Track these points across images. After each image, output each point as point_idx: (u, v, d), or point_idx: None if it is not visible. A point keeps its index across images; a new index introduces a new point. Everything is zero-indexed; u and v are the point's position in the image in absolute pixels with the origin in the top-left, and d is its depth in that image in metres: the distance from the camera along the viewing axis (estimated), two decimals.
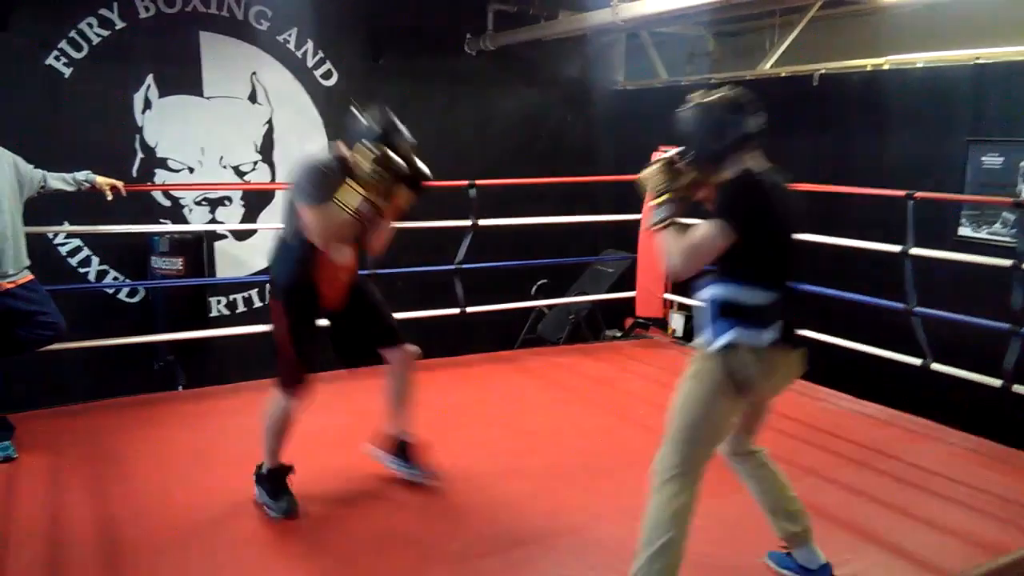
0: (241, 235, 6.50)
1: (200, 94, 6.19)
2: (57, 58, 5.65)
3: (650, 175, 2.57)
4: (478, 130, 7.47)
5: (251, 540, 2.97)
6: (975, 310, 4.39)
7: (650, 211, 2.53)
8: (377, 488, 3.42)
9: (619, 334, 6.61)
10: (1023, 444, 3.98)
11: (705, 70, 7.93)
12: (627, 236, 6.31)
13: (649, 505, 2.48)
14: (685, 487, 2.43)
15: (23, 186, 3.72)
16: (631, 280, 6.21)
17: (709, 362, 2.46)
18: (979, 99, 5.17)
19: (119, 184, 4.15)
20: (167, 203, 6.22)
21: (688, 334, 6.16)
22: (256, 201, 6.54)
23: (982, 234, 5.12)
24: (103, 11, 5.75)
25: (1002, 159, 5.01)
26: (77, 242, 5.91)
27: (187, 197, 6.28)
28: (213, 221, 6.38)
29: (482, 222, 5.36)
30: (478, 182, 5.35)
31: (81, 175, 3.99)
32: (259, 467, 3.23)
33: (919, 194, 4.50)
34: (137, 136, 6.01)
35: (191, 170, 6.23)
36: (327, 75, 6.68)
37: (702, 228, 2.39)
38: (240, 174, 6.43)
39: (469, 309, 5.42)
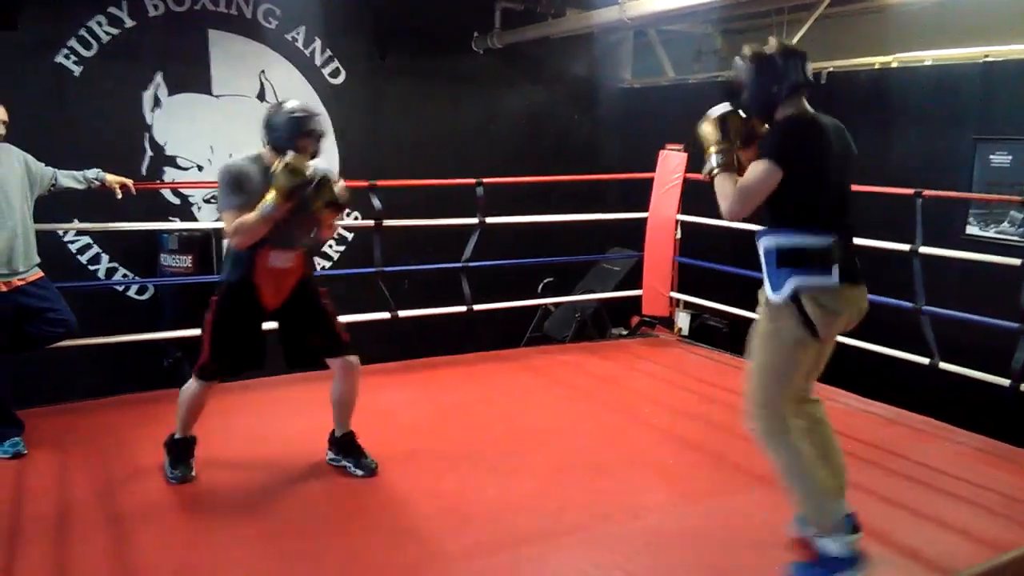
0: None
1: (209, 92, 6.21)
2: (67, 56, 5.67)
3: (706, 129, 2.72)
4: (485, 128, 7.48)
5: (257, 537, 2.98)
6: (983, 309, 4.37)
7: (706, 159, 2.69)
8: (382, 486, 3.44)
9: (625, 332, 6.61)
10: None
11: (713, 68, 7.90)
12: (633, 234, 6.30)
13: (771, 459, 2.63)
14: (786, 429, 2.58)
15: (34, 184, 3.75)
16: (637, 278, 6.20)
17: (779, 314, 2.57)
18: (988, 97, 5.15)
19: (129, 182, 4.17)
20: (176, 201, 6.25)
21: (694, 333, 6.16)
22: None
23: (990, 233, 5.11)
24: (112, 9, 5.77)
25: (1010, 157, 4.99)
26: (87, 240, 5.94)
27: (196, 195, 6.30)
28: (222, 219, 6.38)
29: (489, 220, 5.37)
30: (485, 180, 5.36)
31: (91, 173, 4.02)
32: (171, 436, 3.46)
33: (928, 192, 4.48)
34: (146, 134, 6.03)
35: (200, 168, 6.25)
36: (335, 73, 6.70)
37: (751, 169, 2.50)
38: None
39: (476, 307, 5.43)
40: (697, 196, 5.75)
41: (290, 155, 3.11)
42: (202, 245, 5.88)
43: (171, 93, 6.07)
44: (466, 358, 5.36)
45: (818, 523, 2.63)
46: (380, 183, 5.05)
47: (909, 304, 4.53)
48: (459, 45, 7.25)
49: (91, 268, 6.00)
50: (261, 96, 6.43)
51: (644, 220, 6.03)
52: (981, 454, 3.91)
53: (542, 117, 7.76)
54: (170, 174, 6.15)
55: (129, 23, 5.84)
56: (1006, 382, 4.12)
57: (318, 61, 6.62)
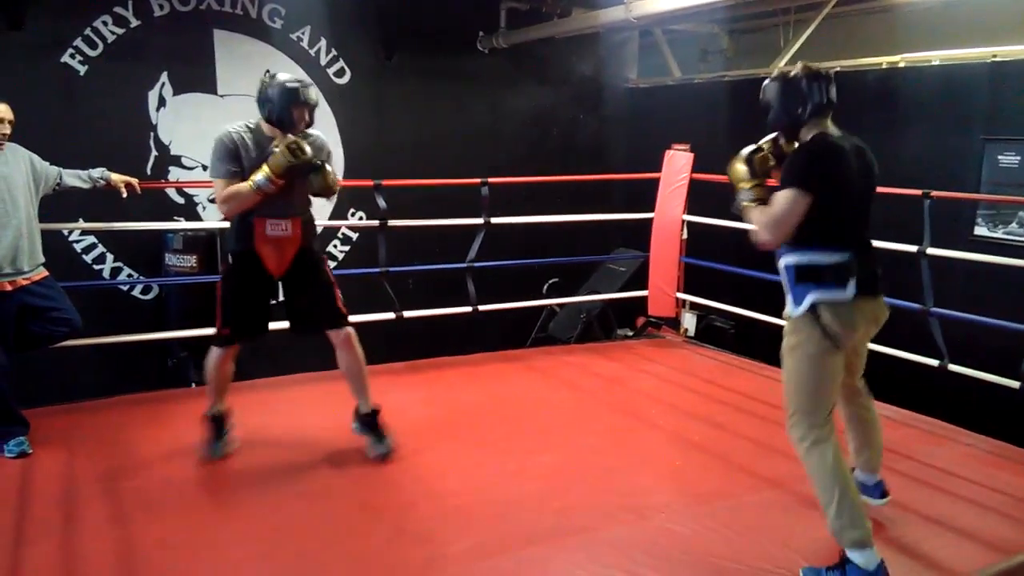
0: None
1: (214, 92, 6.21)
2: (72, 56, 5.68)
3: (736, 168, 2.86)
4: (490, 128, 7.47)
5: (262, 537, 2.98)
6: (991, 310, 4.35)
7: (737, 195, 2.83)
8: (386, 486, 3.43)
9: (631, 333, 6.59)
10: None
11: (719, 68, 7.89)
12: (639, 235, 6.29)
13: (808, 470, 2.73)
14: (825, 440, 2.68)
15: (39, 183, 3.75)
16: (643, 279, 6.19)
17: (801, 327, 2.70)
18: (996, 97, 5.13)
19: (134, 181, 4.18)
20: (181, 200, 6.25)
21: (700, 334, 6.14)
22: None
23: (998, 234, 5.08)
24: (118, 9, 5.78)
25: (1019, 158, 4.96)
26: (92, 239, 5.95)
27: (201, 194, 6.30)
28: (227, 219, 6.38)
29: (494, 220, 5.36)
30: (490, 180, 5.35)
31: (96, 172, 4.02)
32: (207, 410, 3.63)
33: (936, 193, 4.46)
34: (151, 134, 6.04)
35: (205, 167, 6.24)
36: (340, 73, 6.69)
37: (779, 199, 2.62)
38: None
39: (481, 307, 5.42)
40: (703, 196, 5.75)
41: (291, 138, 3.25)
42: (207, 245, 5.87)
43: (176, 93, 6.07)
44: (471, 359, 5.35)
45: (841, 536, 2.67)
46: (385, 183, 5.04)
47: (917, 306, 4.51)
48: (464, 45, 7.25)
49: (96, 267, 6.00)
50: None
51: (650, 220, 6.01)
52: (990, 456, 3.89)
53: (547, 117, 7.75)
54: (175, 173, 6.16)
55: (135, 23, 5.84)
56: (1015, 384, 4.09)
57: (323, 61, 6.62)
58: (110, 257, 6.04)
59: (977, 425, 4.19)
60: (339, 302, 3.60)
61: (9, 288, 3.58)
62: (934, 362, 4.46)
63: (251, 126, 3.41)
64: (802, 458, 2.74)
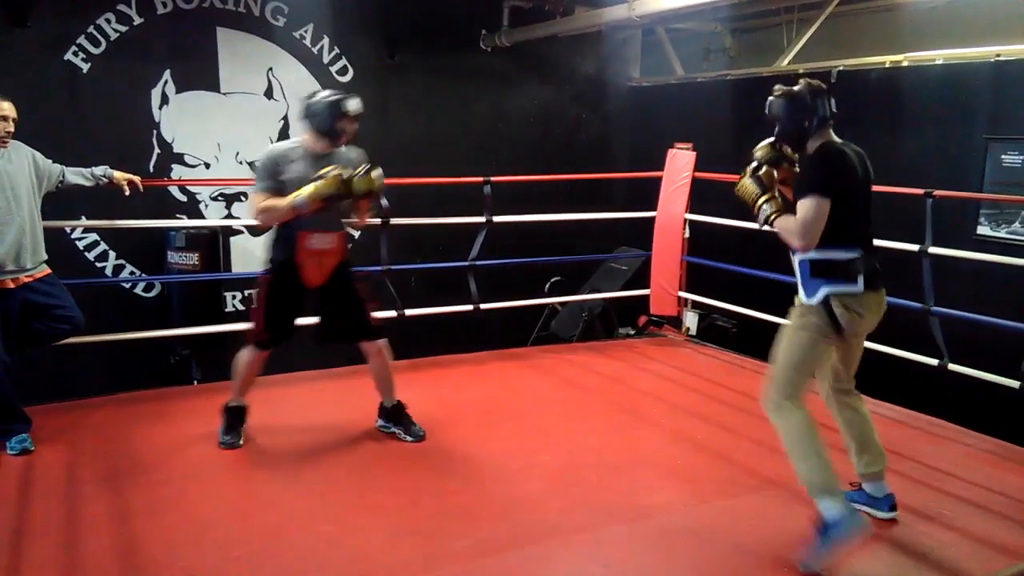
0: (257, 230, 6.52)
1: (217, 90, 6.22)
2: (75, 54, 5.69)
3: (746, 185, 3.08)
4: (493, 126, 7.47)
5: (265, 535, 2.98)
6: (993, 310, 4.35)
7: (758, 213, 3.04)
8: (388, 484, 3.44)
9: (633, 332, 6.59)
10: None
11: (722, 67, 7.88)
12: (641, 233, 6.29)
13: (779, 434, 2.96)
14: (796, 407, 2.93)
15: (41, 181, 3.75)
16: (645, 278, 6.19)
17: (811, 313, 2.94)
18: (999, 97, 5.12)
19: (136, 179, 4.18)
20: (183, 198, 6.26)
21: (702, 333, 6.14)
22: None
23: (1001, 233, 5.07)
24: (121, 7, 5.79)
25: (1021, 157, 4.95)
26: (94, 237, 5.96)
27: (203, 192, 6.31)
28: (229, 216, 6.41)
29: (496, 219, 5.36)
30: (493, 179, 5.35)
31: (99, 170, 4.02)
32: (226, 402, 3.77)
33: (938, 192, 4.45)
34: (154, 131, 6.05)
35: (207, 166, 6.26)
36: (343, 71, 6.70)
37: (803, 206, 2.84)
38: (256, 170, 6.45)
39: (483, 306, 5.42)
40: (705, 195, 5.75)
41: (340, 169, 3.40)
42: (209, 243, 5.89)
43: (179, 91, 6.08)
44: (473, 357, 5.35)
45: (811, 486, 2.87)
46: (387, 181, 5.02)
47: (919, 305, 4.50)
48: (467, 43, 7.25)
49: (98, 265, 6.01)
50: (269, 94, 6.44)
51: (652, 219, 6.01)
52: (991, 456, 3.89)
53: (550, 115, 7.75)
54: (177, 171, 6.16)
55: (138, 20, 5.85)
56: (1016, 383, 4.09)
57: (326, 59, 6.62)
58: (112, 255, 6.05)
59: (977, 424, 4.19)
60: (370, 316, 3.78)
61: (12, 285, 3.59)
62: (934, 361, 4.45)
63: (294, 143, 3.58)
64: (771, 419, 3.00)
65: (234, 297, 6.53)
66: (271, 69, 6.42)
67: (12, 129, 3.58)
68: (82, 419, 4.04)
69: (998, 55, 5.10)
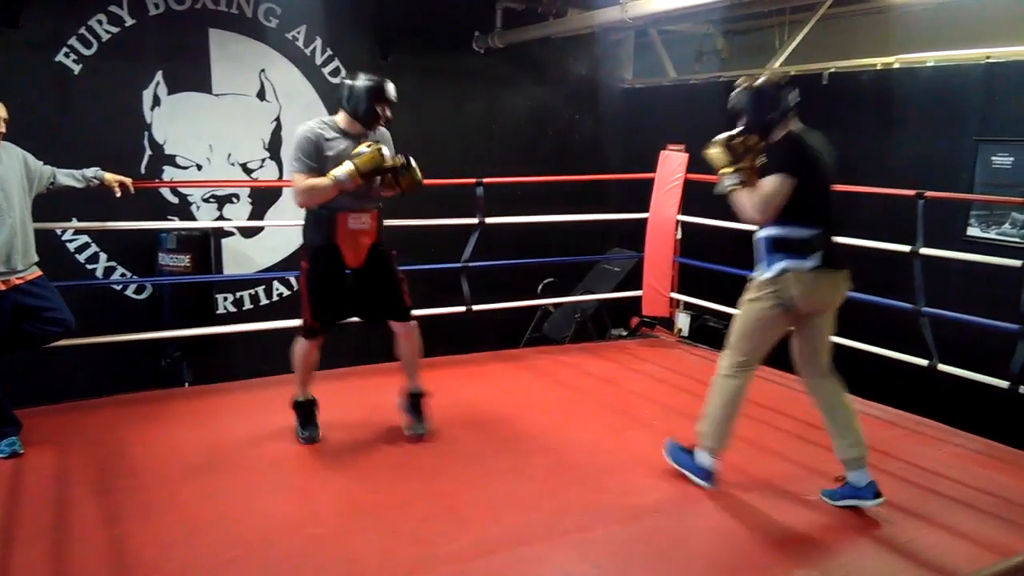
0: (248, 232, 6.52)
1: (209, 91, 6.21)
2: (67, 55, 5.67)
3: (715, 153, 3.20)
4: (486, 128, 7.47)
5: (256, 539, 2.98)
6: (983, 310, 4.37)
7: (720, 179, 3.18)
8: (380, 486, 3.44)
9: (625, 333, 6.61)
10: None
11: (714, 68, 7.90)
12: (634, 235, 6.30)
13: (712, 389, 3.33)
14: (740, 375, 3.26)
15: (32, 182, 3.74)
16: (637, 279, 6.20)
17: (766, 286, 3.14)
18: (989, 98, 5.14)
19: (127, 181, 4.16)
20: (175, 200, 6.24)
21: (694, 334, 6.15)
22: (264, 198, 6.55)
23: (991, 234, 5.10)
24: (113, 8, 5.77)
25: (1012, 159, 4.98)
26: (85, 239, 5.94)
27: (195, 194, 6.29)
28: (221, 218, 6.39)
29: (489, 220, 5.36)
30: (485, 180, 5.35)
31: (90, 172, 4.01)
32: (294, 399, 3.85)
33: (929, 193, 4.47)
34: (146, 133, 6.03)
35: (199, 167, 6.24)
36: (335, 73, 6.69)
37: (768, 182, 3.03)
38: (248, 171, 6.45)
39: (475, 307, 5.42)
40: (698, 197, 5.75)
41: (379, 146, 3.47)
42: (201, 244, 5.88)
43: (171, 92, 6.06)
44: (465, 358, 5.35)
45: (706, 440, 3.34)
46: None
47: (909, 305, 4.52)
48: (460, 45, 7.25)
49: (89, 267, 5.99)
50: (261, 95, 6.43)
51: (644, 220, 6.02)
52: (980, 456, 3.91)
53: (543, 117, 7.75)
54: (169, 173, 6.15)
55: (130, 22, 5.83)
56: (1005, 384, 4.11)
57: (319, 60, 6.62)
58: (103, 256, 6.03)
59: (967, 425, 4.21)
60: (406, 296, 3.81)
61: (2, 287, 3.57)
62: (924, 362, 4.47)
63: (327, 122, 3.57)
64: (716, 381, 3.32)
65: (226, 299, 6.52)
66: (263, 70, 6.41)
67: (3, 130, 3.56)
68: (73, 422, 4.03)
69: (988, 57, 5.12)
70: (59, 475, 3.44)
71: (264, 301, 6.66)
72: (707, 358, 5.58)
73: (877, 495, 3.18)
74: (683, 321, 6.10)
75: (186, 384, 5.59)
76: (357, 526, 3.08)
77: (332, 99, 6.61)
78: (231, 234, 6.44)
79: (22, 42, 5.48)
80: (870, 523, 3.16)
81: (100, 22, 5.75)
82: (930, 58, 5.51)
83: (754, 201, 3.06)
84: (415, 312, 5.18)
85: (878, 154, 5.75)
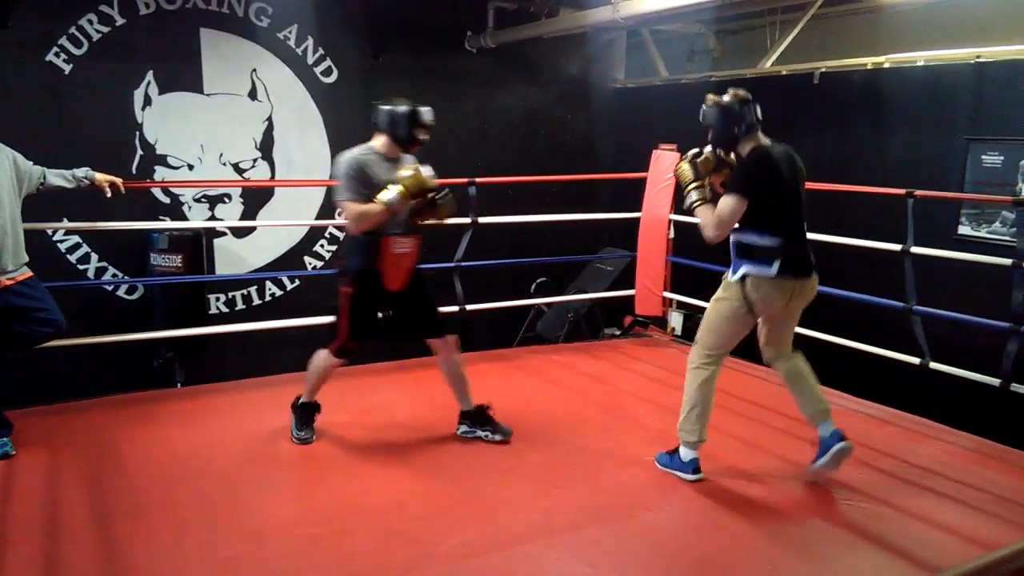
0: (240, 232, 6.50)
1: (200, 91, 6.18)
2: (57, 55, 5.64)
3: (683, 170, 3.43)
4: (478, 128, 7.46)
5: (250, 537, 2.97)
6: (974, 309, 4.39)
7: (687, 195, 3.41)
8: (374, 486, 3.43)
9: (618, 332, 6.61)
10: (1021, 443, 3.99)
11: (706, 68, 7.93)
12: (626, 234, 6.31)
13: (686, 384, 3.49)
14: (708, 367, 3.46)
15: (22, 183, 3.72)
16: (630, 278, 6.20)
17: (730, 289, 3.36)
18: (979, 98, 5.17)
19: (118, 181, 4.14)
20: (166, 200, 6.22)
21: (687, 332, 6.16)
22: (255, 198, 6.53)
23: (982, 233, 5.12)
24: (103, 7, 5.74)
25: (1002, 158, 5.00)
26: (76, 239, 5.91)
27: (187, 194, 6.27)
28: (212, 218, 6.37)
29: (482, 220, 5.36)
30: (478, 180, 5.35)
31: (80, 172, 3.99)
32: (297, 398, 3.87)
33: (919, 192, 4.50)
34: (137, 133, 6.00)
35: (191, 167, 6.22)
36: (327, 72, 6.68)
37: (724, 202, 3.22)
38: (240, 171, 6.43)
39: (468, 307, 5.42)
40: None
41: (423, 167, 3.59)
42: (193, 244, 5.85)
43: (162, 92, 6.03)
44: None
45: (683, 435, 3.48)
46: None
47: (900, 304, 4.54)
48: (452, 44, 7.25)
49: (80, 268, 5.96)
50: (253, 95, 6.41)
51: (637, 220, 6.03)
52: (972, 453, 3.92)
53: (535, 117, 7.75)
54: (160, 173, 6.12)
55: (120, 21, 5.81)
56: (996, 382, 4.13)
57: (310, 60, 6.60)
58: (95, 257, 6.00)
59: (958, 422, 4.23)
60: (440, 315, 3.91)
61: None
62: (916, 360, 4.49)
63: (368, 149, 3.63)
64: (687, 375, 3.50)
65: (218, 300, 6.50)
66: (255, 70, 6.39)
67: None
68: (64, 422, 4.01)
69: (978, 56, 5.15)
70: (51, 476, 3.42)
71: (256, 301, 6.64)
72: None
73: (842, 439, 3.40)
74: (676, 320, 6.12)
75: (178, 385, 5.57)
76: (351, 526, 3.08)
77: (324, 99, 6.64)
78: (223, 234, 6.42)
79: (12, 42, 5.45)
80: (863, 519, 3.18)
81: (90, 22, 5.72)
82: (920, 57, 5.53)
83: (711, 220, 3.26)
84: None
85: (869, 153, 5.77)
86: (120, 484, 3.35)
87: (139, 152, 6.04)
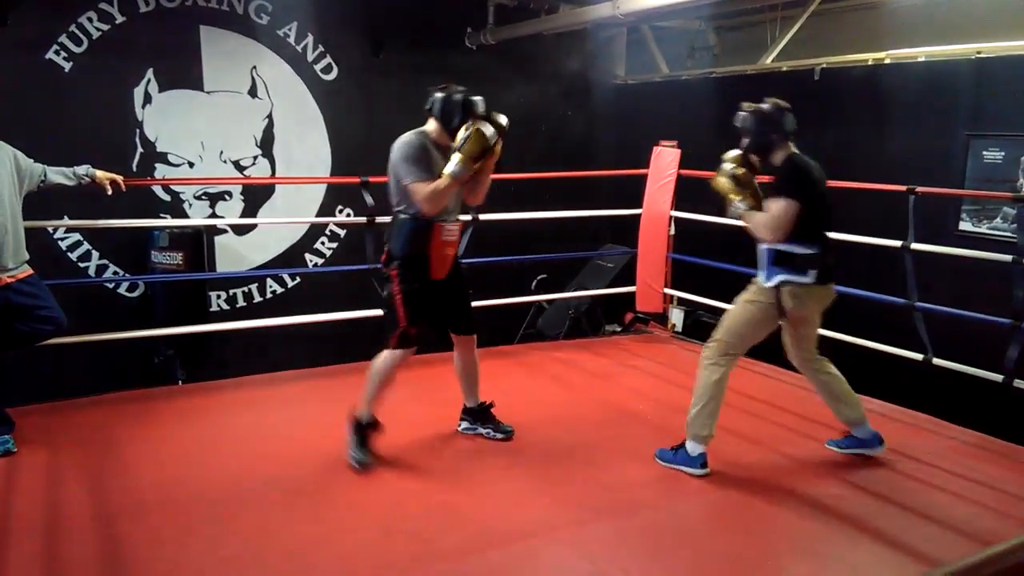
0: (241, 230, 6.50)
1: (200, 88, 6.18)
2: (57, 53, 5.64)
3: (722, 183, 3.50)
4: None
5: (249, 536, 2.97)
6: (976, 305, 4.38)
7: (731, 205, 3.49)
8: (374, 483, 3.43)
9: (619, 329, 6.61)
10: (1023, 439, 3.98)
11: (706, 64, 7.91)
12: (627, 231, 6.30)
13: (700, 377, 3.53)
14: (724, 366, 3.50)
15: (23, 180, 3.72)
16: (631, 275, 6.20)
17: (763, 293, 3.42)
18: (980, 93, 5.16)
19: (119, 178, 4.14)
20: (167, 198, 6.22)
21: (688, 329, 6.16)
22: (256, 196, 6.53)
23: (983, 229, 5.11)
24: (103, 5, 5.74)
25: (1003, 154, 4.99)
26: (77, 236, 5.91)
27: (187, 192, 6.27)
28: (213, 216, 6.37)
29: (482, 216, 5.35)
30: None
31: (81, 169, 3.99)
32: (358, 413, 3.60)
33: (921, 189, 4.49)
34: (137, 130, 6.00)
35: (191, 165, 6.22)
36: (327, 69, 6.67)
37: (777, 206, 3.30)
38: (240, 169, 6.43)
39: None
40: (691, 193, 5.76)
41: (478, 122, 3.48)
42: (193, 242, 5.85)
43: (162, 89, 6.03)
44: None
45: (694, 430, 3.51)
46: (372, 179, 5.03)
47: (902, 300, 4.54)
48: (452, 41, 7.24)
49: (81, 265, 5.96)
50: (253, 92, 6.40)
51: (638, 216, 6.02)
52: (974, 449, 3.92)
53: (535, 113, 7.73)
54: (161, 170, 6.12)
55: (120, 19, 5.80)
56: (999, 377, 4.13)
57: (310, 57, 6.59)
58: (95, 254, 6.00)
59: (961, 418, 4.23)
60: (470, 312, 3.86)
61: None
62: (919, 356, 4.49)
63: (419, 132, 3.60)
64: (700, 370, 3.53)
65: (218, 297, 6.50)
66: (255, 67, 6.39)
67: None
68: (66, 420, 4.01)
69: (979, 52, 5.13)
70: (52, 473, 3.42)
71: (257, 298, 6.64)
72: (701, 353, 5.58)
73: (881, 442, 3.60)
74: (677, 316, 6.11)
75: (179, 382, 5.57)
76: (351, 523, 3.08)
77: (324, 96, 6.63)
78: (224, 232, 6.41)
79: (12, 40, 5.45)
80: (864, 515, 3.18)
81: (90, 19, 5.72)
82: (921, 53, 5.52)
83: (766, 223, 3.33)
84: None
85: (870, 149, 5.76)
86: (121, 482, 3.36)
87: (139, 150, 6.04)
